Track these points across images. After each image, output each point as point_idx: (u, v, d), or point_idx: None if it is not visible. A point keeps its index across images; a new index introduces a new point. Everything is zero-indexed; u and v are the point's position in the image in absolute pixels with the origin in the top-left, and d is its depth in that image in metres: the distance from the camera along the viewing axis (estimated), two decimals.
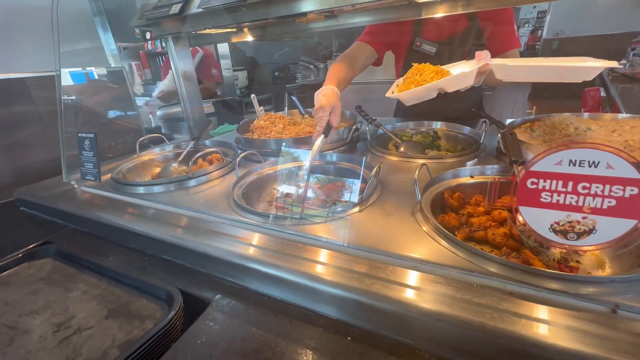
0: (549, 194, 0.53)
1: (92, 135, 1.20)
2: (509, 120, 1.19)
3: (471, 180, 0.93)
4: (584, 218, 0.52)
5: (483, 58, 0.92)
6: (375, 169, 0.93)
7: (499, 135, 1.01)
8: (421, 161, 1.10)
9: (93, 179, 1.21)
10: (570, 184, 0.51)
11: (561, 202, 0.52)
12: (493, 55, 1.19)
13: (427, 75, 0.95)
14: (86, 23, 2.19)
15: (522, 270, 0.58)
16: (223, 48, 3.67)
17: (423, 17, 1.07)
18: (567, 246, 0.55)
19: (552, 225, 0.54)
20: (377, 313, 0.59)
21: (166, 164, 1.44)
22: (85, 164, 1.22)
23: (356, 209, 0.86)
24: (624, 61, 3.59)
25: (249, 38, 1.55)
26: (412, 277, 0.62)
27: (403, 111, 1.78)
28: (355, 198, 0.87)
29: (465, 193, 0.90)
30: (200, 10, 1.18)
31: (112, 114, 1.91)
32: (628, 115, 1.05)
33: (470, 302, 0.55)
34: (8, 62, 1.66)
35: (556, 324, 0.50)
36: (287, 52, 5.26)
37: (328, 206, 0.90)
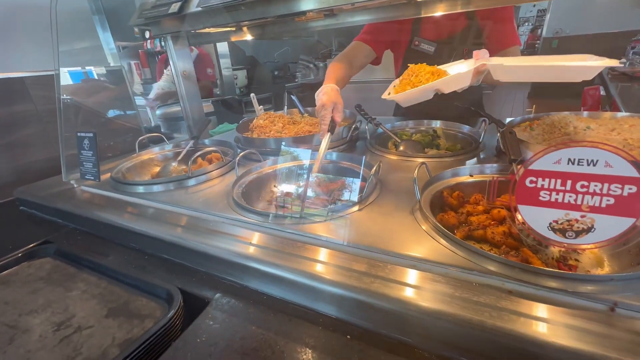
0: (548, 192, 0.53)
1: (91, 134, 1.20)
2: (508, 119, 1.19)
3: (470, 179, 0.93)
4: (582, 216, 0.52)
5: (481, 57, 0.91)
6: (374, 168, 0.93)
7: (499, 134, 1.01)
8: (420, 160, 1.10)
9: (92, 178, 1.21)
10: (569, 182, 0.51)
11: (560, 200, 0.52)
12: (492, 54, 1.19)
13: (423, 77, 0.95)
14: (85, 22, 2.19)
15: (521, 268, 0.58)
16: (222, 47, 3.67)
17: (422, 16, 1.07)
18: (565, 245, 0.55)
19: (550, 223, 0.54)
20: (376, 311, 0.60)
21: (165, 163, 1.44)
22: (84, 163, 1.22)
23: (356, 208, 0.87)
24: (623, 60, 3.58)
25: (248, 37, 1.55)
26: (411, 275, 0.62)
27: (403, 110, 1.78)
28: (354, 197, 0.87)
29: (465, 192, 0.90)
30: (200, 9, 1.18)
31: (111, 113, 1.91)
32: (627, 114, 1.05)
33: (469, 301, 0.55)
34: (7, 61, 1.66)
35: (555, 322, 0.50)
36: (287, 51, 5.26)
37: (328, 205, 0.90)
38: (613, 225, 0.50)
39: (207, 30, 1.49)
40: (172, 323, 0.65)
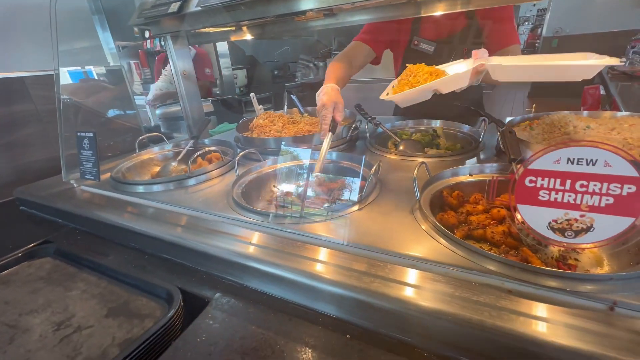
0: (547, 192, 0.53)
1: (91, 134, 1.20)
2: (508, 119, 1.19)
3: (470, 179, 0.93)
4: (581, 216, 0.52)
5: (480, 57, 0.91)
6: (374, 168, 0.93)
7: (498, 133, 1.01)
8: (420, 159, 1.10)
9: (92, 178, 1.21)
10: (568, 182, 0.51)
11: (559, 200, 0.52)
12: (492, 53, 1.18)
13: (421, 77, 0.95)
14: (85, 21, 2.19)
15: (521, 268, 0.58)
16: (222, 47, 3.66)
17: (422, 15, 1.07)
18: (565, 244, 0.55)
19: (550, 223, 0.54)
20: (376, 311, 0.60)
21: (165, 163, 1.44)
22: (84, 163, 1.22)
23: (355, 208, 0.87)
24: (623, 59, 3.58)
25: (248, 36, 1.55)
26: (411, 275, 0.62)
27: (402, 110, 1.78)
28: (354, 197, 0.87)
29: (465, 191, 0.90)
30: (199, 8, 1.18)
31: (111, 113, 1.91)
32: (627, 113, 1.05)
33: (468, 300, 0.55)
34: (7, 61, 1.66)
35: (554, 322, 0.50)
36: (287, 50, 5.25)
37: (327, 205, 0.90)
38: (612, 225, 0.50)
39: (206, 29, 1.49)
40: (172, 323, 0.65)
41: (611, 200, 0.49)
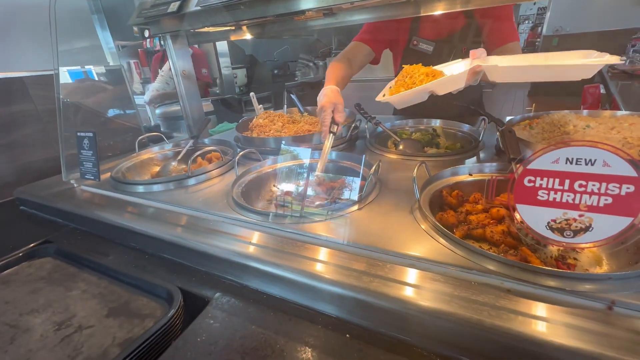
0: (546, 191, 0.53)
1: (91, 134, 1.20)
2: (508, 118, 1.19)
3: (470, 178, 0.93)
4: (580, 216, 0.52)
5: (478, 56, 0.91)
6: (374, 167, 0.93)
7: (498, 133, 1.01)
8: (420, 159, 1.10)
9: (92, 178, 1.21)
10: (567, 181, 0.51)
11: (558, 200, 0.53)
12: (491, 50, 1.18)
13: (417, 78, 0.94)
14: (84, 21, 2.18)
15: (520, 267, 0.59)
16: (222, 46, 3.66)
17: (422, 15, 1.06)
18: (563, 244, 0.55)
19: (548, 223, 0.54)
20: (375, 310, 0.60)
21: (165, 163, 1.44)
22: (84, 163, 1.22)
23: (355, 207, 0.87)
24: (624, 58, 3.58)
25: (248, 36, 1.55)
26: (411, 274, 0.63)
27: (402, 109, 1.78)
28: (354, 196, 0.87)
29: (464, 191, 0.90)
30: (199, 8, 1.18)
31: (111, 112, 1.91)
32: (627, 112, 1.05)
33: (468, 300, 0.55)
34: (7, 61, 1.66)
35: (553, 321, 0.50)
36: (286, 49, 5.25)
37: (327, 204, 0.90)
38: (611, 225, 0.50)
39: (206, 29, 1.49)
40: (172, 322, 0.65)
41: (610, 200, 0.49)
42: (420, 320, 0.56)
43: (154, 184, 1.15)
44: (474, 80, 0.90)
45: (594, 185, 0.50)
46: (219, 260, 0.79)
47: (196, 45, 3.17)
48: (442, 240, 0.69)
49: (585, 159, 0.49)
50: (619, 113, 1.06)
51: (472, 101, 1.58)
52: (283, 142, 1.13)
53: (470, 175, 0.94)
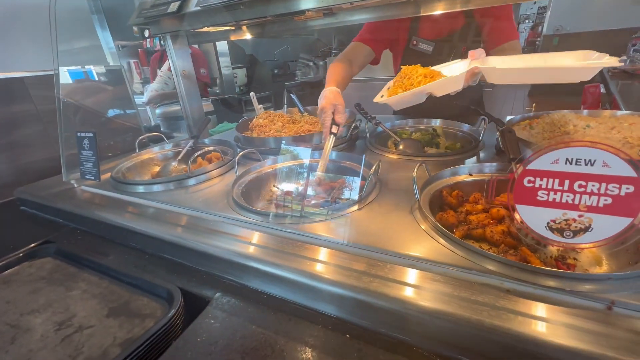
0: (546, 192, 0.53)
1: (91, 134, 1.20)
2: (508, 118, 1.19)
3: (470, 178, 0.93)
4: (580, 216, 0.52)
5: (477, 57, 0.90)
6: (374, 167, 0.93)
7: (498, 132, 1.01)
8: (420, 159, 1.10)
9: (93, 178, 1.21)
10: (567, 182, 0.51)
11: (557, 200, 0.53)
12: (490, 49, 1.17)
13: (415, 79, 0.94)
14: (84, 21, 2.18)
15: (519, 267, 0.59)
16: (222, 46, 3.66)
17: (422, 15, 1.06)
18: (563, 244, 0.55)
19: (548, 223, 0.54)
20: (375, 311, 0.60)
21: (165, 163, 1.44)
22: (84, 163, 1.22)
23: (355, 207, 0.87)
24: (624, 57, 3.57)
25: (248, 36, 1.55)
26: (410, 275, 0.63)
27: (402, 109, 1.78)
28: (354, 196, 0.87)
29: (464, 191, 0.90)
30: (199, 8, 1.18)
31: (111, 112, 1.91)
32: (627, 112, 1.05)
33: (467, 300, 0.55)
34: (7, 61, 1.66)
35: (552, 321, 0.50)
36: (287, 49, 5.25)
37: (327, 204, 0.90)
38: (610, 225, 0.50)
39: (206, 29, 1.49)
40: (172, 322, 0.65)
41: (609, 200, 0.49)
42: (420, 320, 0.56)
43: (154, 184, 1.15)
44: (473, 81, 0.90)
45: (593, 185, 0.50)
46: (219, 261, 0.79)
47: (195, 46, 3.17)
48: (442, 240, 0.69)
49: (585, 160, 0.49)
50: (619, 113, 1.06)
51: (472, 101, 1.58)
52: (283, 142, 1.13)
53: (470, 175, 0.94)
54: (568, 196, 0.52)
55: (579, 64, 0.76)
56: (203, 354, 0.59)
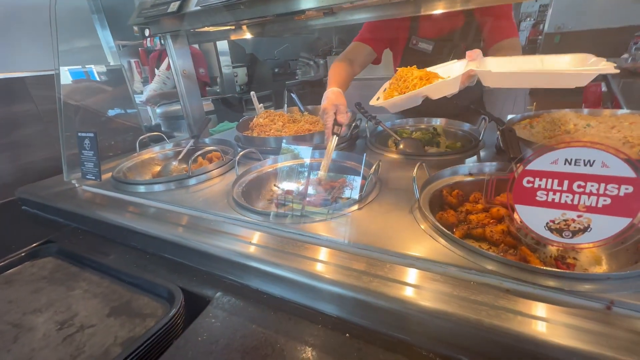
0: (545, 192, 0.53)
1: (92, 134, 1.20)
2: (509, 117, 1.18)
3: (470, 178, 0.93)
4: (579, 216, 0.52)
5: (474, 58, 0.90)
6: (374, 167, 0.93)
7: (498, 132, 1.01)
8: (420, 158, 1.10)
9: (93, 178, 1.22)
10: (566, 182, 0.51)
11: (557, 200, 0.53)
12: (490, 46, 1.16)
13: (410, 82, 0.93)
14: (84, 21, 2.18)
15: (519, 267, 0.59)
16: (222, 45, 3.66)
17: (422, 14, 1.06)
18: (562, 244, 0.55)
19: (547, 223, 0.54)
20: (375, 310, 0.60)
21: (166, 163, 1.44)
22: (85, 163, 1.23)
23: (355, 207, 0.87)
24: (626, 55, 3.56)
25: (248, 35, 1.55)
26: (410, 274, 0.63)
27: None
28: (355, 195, 0.88)
29: (464, 190, 0.90)
30: (199, 8, 1.18)
31: (111, 112, 1.91)
32: (627, 111, 1.05)
33: (467, 300, 0.55)
34: (7, 61, 1.66)
35: (552, 321, 0.50)
36: (287, 48, 5.25)
37: (327, 204, 0.90)
38: (609, 225, 0.50)
39: (206, 29, 1.49)
40: (173, 322, 0.65)
41: (608, 200, 0.49)
42: (419, 319, 0.57)
43: (155, 184, 1.15)
44: (469, 82, 0.89)
45: (592, 186, 0.50)
46: (219, 260, 0.79)
47: (195, 45, 3.17)
48: (441, 240, 0.69)
49: (584, 160, 0.49)
50: (620, 112, 1.06)
51: (472, 100, 1.58)
52: (284, 141, 1.13)
53: (471, 174, 0.94)
54: (567, 196, 0.52)
55: (575, 69, 0.76)
56: (204, 353, 0.59)
